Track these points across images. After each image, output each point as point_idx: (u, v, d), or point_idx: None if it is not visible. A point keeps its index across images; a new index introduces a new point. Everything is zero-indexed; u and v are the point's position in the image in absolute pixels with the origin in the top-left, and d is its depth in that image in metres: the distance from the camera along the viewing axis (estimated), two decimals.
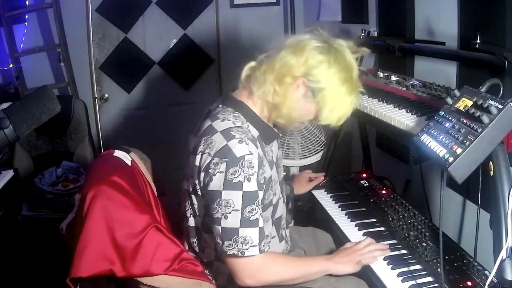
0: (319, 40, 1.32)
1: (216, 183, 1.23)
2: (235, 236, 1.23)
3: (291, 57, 1.30)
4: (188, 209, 1.41)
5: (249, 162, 1.23)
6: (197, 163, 1.29)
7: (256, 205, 1.25)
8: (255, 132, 1.34)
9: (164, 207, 1.51)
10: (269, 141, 1.41)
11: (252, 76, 1.36)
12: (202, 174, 1.28)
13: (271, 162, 1.40)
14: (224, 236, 1.24)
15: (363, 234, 1.57)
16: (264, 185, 1.32)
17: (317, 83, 1.29)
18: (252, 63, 1.38)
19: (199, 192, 1.32)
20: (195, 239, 1.43)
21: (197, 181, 1.31)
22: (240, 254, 1.23)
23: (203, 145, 1.29)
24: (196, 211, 1.38)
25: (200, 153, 1.28)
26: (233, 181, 1.22)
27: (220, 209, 1.23)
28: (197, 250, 1.43)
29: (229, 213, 1.23)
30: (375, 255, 1.41)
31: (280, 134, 1.50)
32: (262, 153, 1.31)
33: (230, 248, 1.23)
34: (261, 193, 1.28)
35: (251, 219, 1.24)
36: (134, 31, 3.14)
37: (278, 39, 1.36)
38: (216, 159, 1.24)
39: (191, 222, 1.41)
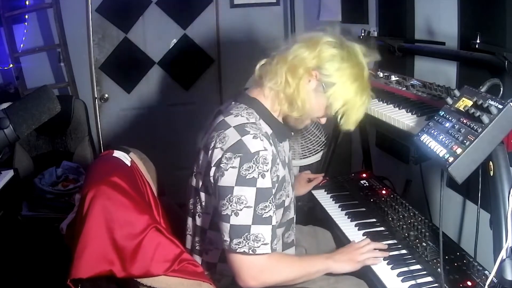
0: (332, 36, 1.32)
1: (228, 179, 1.21)
2: (246, 234, 1.20)
3: (304, 50, 1.29)
4: (194, 207, 1.40)
5: (263, 158, 1.21)
6: (209, 159, 1.27)
7: (270, 202, 1.22)
8: (268, 130, 1.34)
9: (164, 207, 1.51)
10: (282, 139, 1.41)
11: (264, 70, 1.35)
12: (213, 169, 1.25)
13: (284, 162, 1.39)
14: (233, 233, 1.20)
15: (363, 234, 1.57)
16: (277, 184, 1.30)
17: (329, 77, 1.29)
18: (263, 60, 1.37)
19: (210, 190, 1.30)
20: (199, 239, 1.41)
21: (208, 177, 1.28)
22: (251, 252, 1.20)
23: (215, 140, 1.27)
24: (204, 209, 1.36)
25: (212, 148, 1.26)
26: (247, 177, 1.20)
27: (230, 206, 1.20)
28: (201, 250, 1.41)
29: (241, 209, 1.20)
30: (376, 255, 1.40)
31: (292, 133, 1.48)
32: (275, 151, 1.31)
33: (240, 246, 1.20)
34: (273, 191, 1.26)
35: (264, 216, 1.21)
36: (134, 31, 3.15)
37: (291, 36, 1.36)
38: (229, 154, 1.22)
39: (197, 221, 1.40)
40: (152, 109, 3.29)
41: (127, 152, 1.51)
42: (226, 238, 1.22)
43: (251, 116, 1.31)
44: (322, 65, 1.28)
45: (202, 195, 1.35)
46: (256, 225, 1.20)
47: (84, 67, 3.01)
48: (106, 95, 3.14)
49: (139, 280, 1.20)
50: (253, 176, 1.20)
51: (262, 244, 1.21)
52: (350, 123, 1.35)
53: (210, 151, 1.27)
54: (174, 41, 3.21)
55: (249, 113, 1.32)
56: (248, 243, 1.20)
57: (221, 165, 1.22)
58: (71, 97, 2.89)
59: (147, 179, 1.52)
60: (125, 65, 3.17)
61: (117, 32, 3.12)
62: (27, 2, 2.83)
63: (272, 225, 1.23)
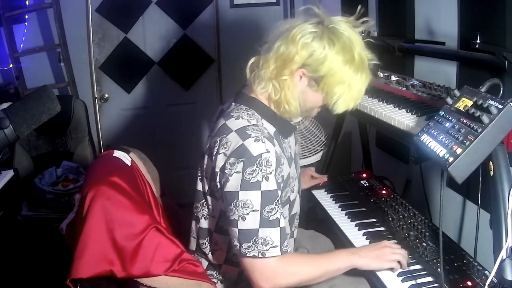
0: (312, 23, 1.27)
1: (233, 184, 1.21)
2: (254, 238, 1.19)
3: (284, 48, 1.26)
4: (200, 210, 1.39)
5: (266, 160, 1.20)
6: (213, 164, 1.27)
7: (276, 205, 1.21)
8: (271, 129, 1.32)
9: (164, 207, 1.51)
10: (286, 135, 1.40)
11: (252, 73, 1.33)
12: (219, 175, 1.25)
13: (290, 158, 1.39)
14: (242, 238, 1.20)
15: (363, 234, 1.57)
16: (282, 184, 1.30)
17: (316, 72, 1.26)
18: (253, 59, 1.34)
19: (216, 195, 1.30)
20: (206, 240, 1.41)
21: (214, 183, 1.28)
22: (260, 256, 1.19)
23: (218, 145, 1.26)
24: (211, 212, 1.36)
25: (216, 154, 1.26)
26: (251, 181, 1.19)
27: (237, 211, 1.20)
28: (207, 252, 1.41)
29: (247, 214, 1.19)
30: (401, 259, 1.33)
31: (297, 126, 1.46)
32: (279, 150, 1.30)
33: (250, 250, 1.20)
34: (279, 192, 1.25)
35: (270, 219, 1.20)
36: (134, 31, 3.14)
37: (274, 27, 1.32)
38: (232, 159, 1.21)
39: (203, 223, 1.39)
40: (152, 109, 3.29)
41: (127, 152, 1.51)
42: (236, 243, 1.22)
43: (252, 117, 1.29)
44: (306, 62, 1.25)
45: (209, 198, 1.35)
46: (264, 228, 1.19)
47: (84, 67, 3.00)
48: (106, 95, 3.14)
49: (139, 280, 1.20)
50: (257, 180, 1.19)
51: (271, 247, 1.19)
52: (345, 105, 1.30)
53: (214, 157, 1.27)
54: (174, 41, 3.21)
55: (249, 114, 1.30)
56: (257, 247, 1.19)
57: (226, 170, 1.22)
58: (71, 97, 2.89)
59: (147, 179, 1.52)
60: (125, 65, 3.16)
61: (117, 32, 3.11)
62: (27, 2, 2.83)
63: (281, 227, 1.21)
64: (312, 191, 1.95)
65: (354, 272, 1.43)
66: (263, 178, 1.20)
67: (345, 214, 1.72)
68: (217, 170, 1.25)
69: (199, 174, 1.37)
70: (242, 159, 1.20)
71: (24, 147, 2.78)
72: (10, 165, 2.65)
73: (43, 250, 2.37)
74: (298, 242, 1.64)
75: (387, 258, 1.32)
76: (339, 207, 1.79)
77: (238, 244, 1.21)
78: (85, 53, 2.97)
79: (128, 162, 1.46)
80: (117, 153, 1.47)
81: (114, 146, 1.54)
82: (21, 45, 2.91)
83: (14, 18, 2.84)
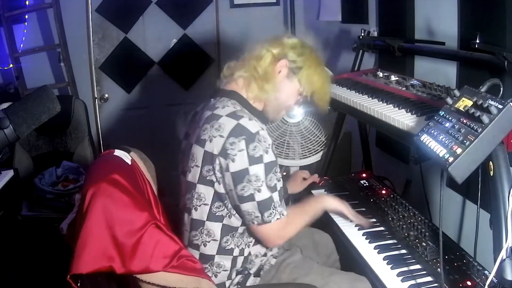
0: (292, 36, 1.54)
1: (239, 162, 1.29)
2: (272, 204, 1.34)
3: (268, 45, 1.46)
4: (191, 201, 1.42)
5: (263, 136, 1.32)
6: (207, 149, 1.34)
7: (273, 173, 1.34)
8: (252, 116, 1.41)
9: (164, 206, 1.51)
10: (264, 123, 1.49)
11: (232, 67, 1.50)
12: (219, 158, 1.32)
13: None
14: (263, 208, 1.33)
15: (363, 234, 1.57)
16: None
17: (295, 62, 1.45)
18: (232, 62, 1.51)
19: (213, 178, 1.36)
20: (197, 232, 1.43)
21: (210, 167, 1.34)
22: (282, 216, 1.35)
23: (209, 131, 1.34)
24: (203, 200, 1.40)
25: (209, 139, 1.33)
26: (256, 156, 1.30)
27: (251, 185, 1.30)
28: (199, 244, 1.43)
29: (261, 185, 1.31)
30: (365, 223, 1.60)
31: (272, 122, 1.74)
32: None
33: (273, 216, 1.34)
34: (277, 162, 1.36)
35: (272, 185, 1.34)
36: (134, 31, 3.15)
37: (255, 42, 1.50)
38: (232, 139, 1.30)
39: (195, 214, 1.42)
40: (152, 109, 3.29)
41: (128, 151, 1.51)
42: (257, 214, 1.34)
43: (236, 105, 1.41)
44: (287, 52, 1.45)
45: (200, 186, 1.39)
46: (273, 193, 1.34)
47: (84, 67, 3.01)
48: (106, 95, 3.14)
49: (138, 276, 1.20)
50: (260, 154, 1.30)
51: (281, 208, 1.36)
52: (325, 103, 1.55)
53: (207, 142, 1.34)
54: (174, 41, 3.22)
55: (233, 103, 1.41)
56: (276, 210, 1.34)
57: (228, 151, 1.30)
58: (71, 97, 2.89)
59: (147, 178, 1.52)
60: (125, 65, 3.17)
61: (117, 32, 3.12)
62: (27, 2, 2.83)
63: (278, 190, 1.36)
64: (312, 191, 1.95)
65: (354, 270, 1.44)
66: (264, 152, 1.31)
67: None
68: (216, 153, 1.32)
69: (190, 165, 1.41)
70: (243, 137, 1.30)
71: (24, 147, 2.78)
72: (10, 165, 2.64)
73: (43, 250, 2.37)
74: (292, 240, 1.64)
75: (345, 205, 1.59)
76: None
77: (260, 215, 1.34)
78: (85, 53, 2.97)
79: (128, 161, 1.46)
80: (118, 152, 1.48)
81: (114, 146, 1.54)
82: (21, 45, 2.91)
83: (14, 18, 2.84)
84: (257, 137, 1.30)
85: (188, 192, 1.43)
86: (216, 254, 1.43)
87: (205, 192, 1.39)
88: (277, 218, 1.35)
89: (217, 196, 1.38)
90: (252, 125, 1.32)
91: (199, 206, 1.41)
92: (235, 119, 1.33)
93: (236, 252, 1.44)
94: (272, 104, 1.48)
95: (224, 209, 1.40)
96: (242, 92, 1.46)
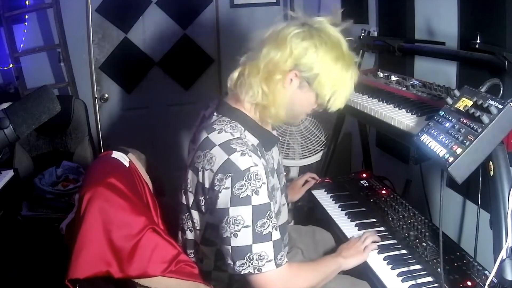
0: (297, 25, 1.25)
1: (222, 200, 1.17)
2: (248, 254, 1.16)
3: (274, 53, 1.23)
4: (185, 222, 1.38)
5: (255, 174, 1.16)
6: (200, 180, 1.24)
7: (268, 218, 1.17)
8: (254, 140, 1.29)
9: (163, 208, 1.51)
10: (269, 147, 1.37)
11: (238, 82, 1.30)
12: (209, 191, 1.22)
13: (272, 169, 1.38)
14: (235, 255, 1.17)
15: (363, 234, 1.57)
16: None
17: (310, 70, 1.23)
18: (236, 72, 1.31)
19: (203, 209, 1.28)
20: (193, 251, 1.40)
21: (201, 197, 1.26)
22: (257, 272, 1.16)
23: (202, 161, 1.23)
24: (196, 226, 1.34)
25: (202, 170, 1.23)
26: (241, 196, 1.15)
27: (229, 228, 1.16)
28: (195, 261, 1.40)
29: (239, 230, 1.16)
30: (375, 239, 1.49)
31: (280, 138, 1.47)
32: (264, 162, 1.26)
33: (244, 268, 1.16)
34: (272, 204, 1.20)
35: (263, 233, 1.16)
36: (134, 31, 3.14)
37: (256, 36, 1.32)
38: (220, 175, 1.18)
39: (189, 235, 1.38)
40: (152, 109, 3.29)
41: (126, 152, 1.51)
42: (230, 261, 1.19)
43: (235, 130, 1.26)
44: (298, 62, 1.23)
45: (194, 212, 1.33)
46: (257, 243, 1.16)
47: (84, 67, 3.00)
48: (106, 95, 3.14)
49: (136, 281, 1.20)
50: (247, 194, 1.15)
51: (266, 262, 1.17)
52: (341, 102, 1.29)
53: (200, 173, 1.24)
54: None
55: (232, 126, 1.27)
56: (252, 263, 1.16)
57: (215, 187, 1.19)
58: (71, 97, 2.88)
59: (146, 179, 1.52)
60: (125, 65, 3.16)
61: (117, 32, 3.11)
62: (27, 2, 2.83)
63: (273, 241, 1.18)
64: (312, 191, 1.95)
65: (353, 274, 1.44)
66: (253, 193, 1.16)
67: (345, 214, 1.72)
68: (207, 186, 1.22)
69: (183, 187, 1.34)
70: (230, 174, 1.16)
71: (24, 147, 2.78)
72: (10, 165, 2.64)
73: (43, 250, 2.36)
74: (293, 241, 1.64)
75: (361, 249, 1.44)
76: (339, 207, 1.79)
77: (232, 262, 1.18)
78: (85, 53, 2.97)
79: (126, 163, 1.45)
80: (115, 154, 1.47)
81: (114, 146, 1.54)
82: (21, 45, 2.91)
83: (14, 18, 2.83)
84: (246, 175, 1.15)
85: (182, 213, 1.38)
86: (213, 270, 1.38)
87: (198, 219, 1.33)
88: (250, 272, 1.16)
89: (210, 225, 1.29)
90: (243, 161, 1.17)
91: (192, 229, 1.37)
92: (226, 152, 1.19)
93: None
94: (286, 117, 1.32)
95: (217, 235, 1.26)
96: (249, 112, 1.31)
